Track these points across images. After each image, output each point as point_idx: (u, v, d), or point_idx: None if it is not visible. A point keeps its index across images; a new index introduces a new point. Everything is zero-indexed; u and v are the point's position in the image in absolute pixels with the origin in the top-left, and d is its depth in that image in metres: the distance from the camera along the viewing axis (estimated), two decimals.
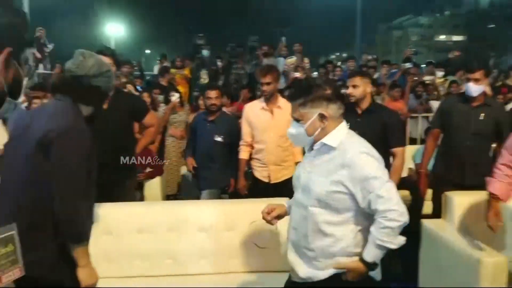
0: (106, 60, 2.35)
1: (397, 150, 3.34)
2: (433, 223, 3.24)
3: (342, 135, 1.98)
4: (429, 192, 3.88)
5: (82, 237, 1.92)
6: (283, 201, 2.37)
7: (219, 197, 4.11)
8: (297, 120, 2.01)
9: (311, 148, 2.07)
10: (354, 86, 3.34)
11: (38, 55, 10.85)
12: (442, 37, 57.39)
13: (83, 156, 1.86)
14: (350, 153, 1.91)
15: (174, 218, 2.96)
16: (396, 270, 3.93)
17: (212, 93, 4.12)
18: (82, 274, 1.90)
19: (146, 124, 3.55)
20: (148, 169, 4.60)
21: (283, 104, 3.77)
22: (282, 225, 2.34)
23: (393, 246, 1.85)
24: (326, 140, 1.97)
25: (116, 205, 2.99)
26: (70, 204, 1.84)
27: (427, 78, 7.99)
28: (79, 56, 2.01)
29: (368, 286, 1.99)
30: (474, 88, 3.43)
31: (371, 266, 1.90)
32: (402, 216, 1.83)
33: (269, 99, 3.83)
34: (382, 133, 3.29)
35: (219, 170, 4.09)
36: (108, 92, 2.13)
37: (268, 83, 3.77)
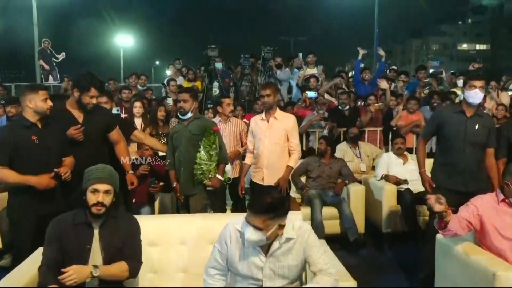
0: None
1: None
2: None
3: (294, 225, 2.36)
4: None
5: None
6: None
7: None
8: (258, 228, 2.18)
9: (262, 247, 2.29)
10: None
11: (46, 67, 11.07)
12: (465, 46, 56.10)
13: None
14: (306, 235, 2.34)
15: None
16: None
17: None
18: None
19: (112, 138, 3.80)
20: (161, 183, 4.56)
21: (280, 116, 4.26)
22: None
23: None
24: (286, 235, 2.29)
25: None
26: None
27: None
28: None
29: None
30: (479, 95, 3.60)
31: None
32: None
33: (268, 110, 4.26)
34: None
35: None
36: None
37: (268, 95, 4.19)
